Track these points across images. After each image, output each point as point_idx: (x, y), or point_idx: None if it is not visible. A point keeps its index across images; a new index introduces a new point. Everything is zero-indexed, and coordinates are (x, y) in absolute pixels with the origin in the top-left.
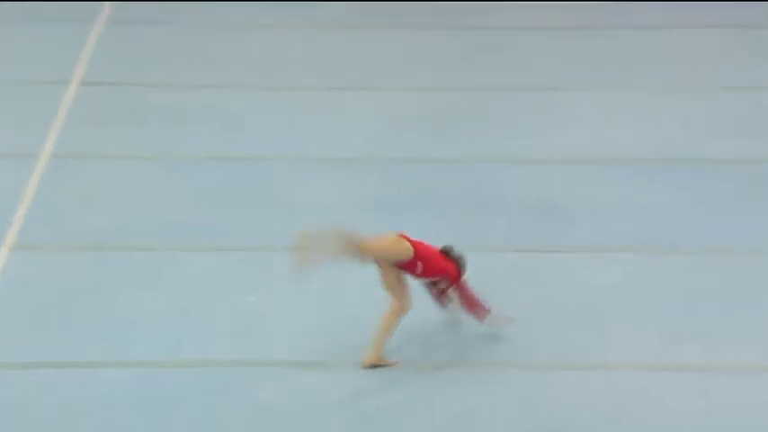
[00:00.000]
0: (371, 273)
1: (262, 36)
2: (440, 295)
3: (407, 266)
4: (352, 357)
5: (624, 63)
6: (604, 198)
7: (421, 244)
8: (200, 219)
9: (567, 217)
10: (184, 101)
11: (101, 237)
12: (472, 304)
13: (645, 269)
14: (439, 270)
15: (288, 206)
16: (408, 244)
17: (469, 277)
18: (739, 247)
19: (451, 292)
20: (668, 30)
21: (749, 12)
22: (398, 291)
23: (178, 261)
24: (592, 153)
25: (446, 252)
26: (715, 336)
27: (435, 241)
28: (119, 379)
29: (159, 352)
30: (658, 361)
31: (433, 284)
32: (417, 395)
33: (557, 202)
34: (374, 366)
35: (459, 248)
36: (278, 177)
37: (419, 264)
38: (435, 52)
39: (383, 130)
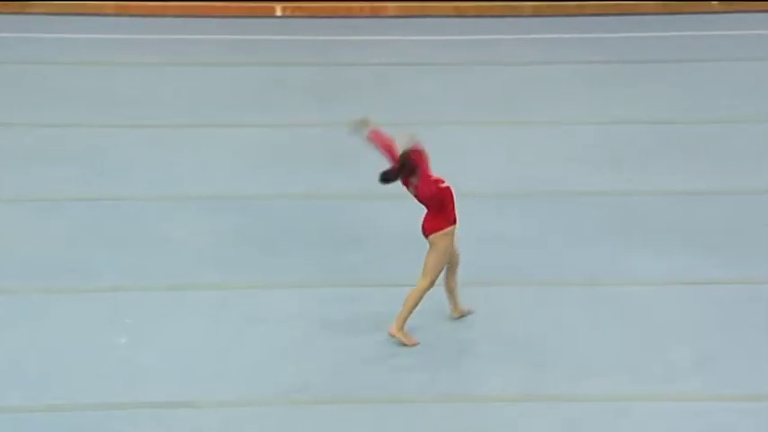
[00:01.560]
0: (244, 311)
1: (125, 74)
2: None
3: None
4: (221, 396)
5: (491, 98)
6: (466, 230)
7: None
8: (66, 260)
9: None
10: (46, 140)
11: None
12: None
13: (508, 300)
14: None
15: (154, 245)
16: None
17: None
18: (603, 278)
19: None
20: (535, 66)
21: (612, 48)
22: (432, 269)
23: (44, 304)
24: (457, 187)
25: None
26: (582, 366)
27: (298, 277)
28: None
29: (25, 396)
30: (525, 392)
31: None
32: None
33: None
34: (398, 340)
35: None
36: (143, 216)
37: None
38: (304, 88)
39: (248, 166)
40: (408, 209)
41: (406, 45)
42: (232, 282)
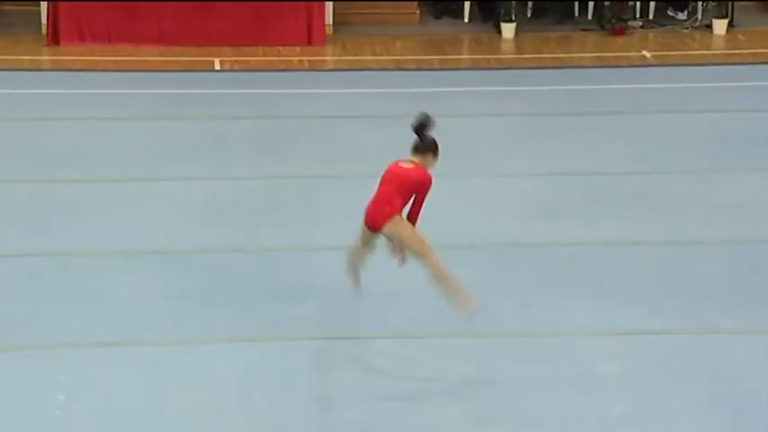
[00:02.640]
0: (181, 368)
1: (61, 129)
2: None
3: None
4: None
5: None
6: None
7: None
8: (2, 316)
9: (382, 302)
10: None
11: None
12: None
13: (445, 352)
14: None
15: (89, 300)
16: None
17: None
18: (540, 329)
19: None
20: (474, 118)
21: (550, 100)
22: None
23: None
24: None
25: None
26: (520, 419)
27: (234, 332)
28: None
29: None
30: None
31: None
32: None
33: (368, 289)
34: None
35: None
36: (79, 272)
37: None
38: (243, 141)
39: (186, 220)
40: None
41: (346, 98)
42: (168, 338)
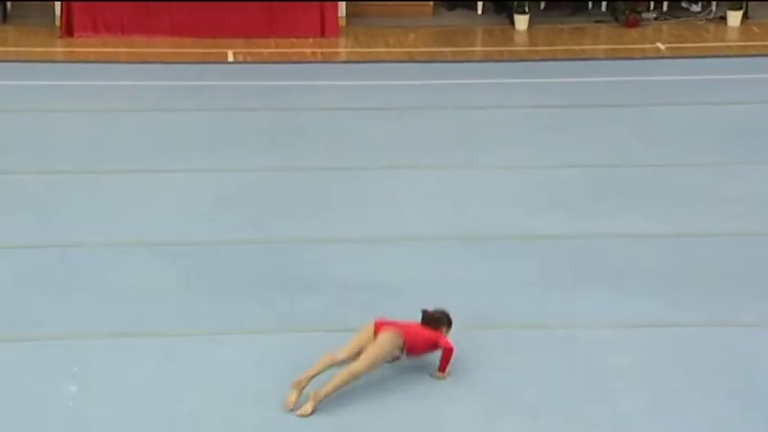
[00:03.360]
0: (193, 360)
1: (73, 120)
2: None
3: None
4: None
5: (443, 142)
6: (415, 274)
7: (405, 327)
8: (10, 308)
9: (393, 295)
10: None
11: None
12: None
13: (457, 344)
14: (427, 345)
15: (100, 292)
16: (398, 336)
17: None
18: (552, 321)
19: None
20: (486, 110)
21: (562, 92)
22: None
23: None
24: (408, 230)
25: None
26: (532, 410)
27: (246, 324)
28: None
29: None
30: None
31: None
32: None
33: (379, 281)
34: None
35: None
36: (93, 263)
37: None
38: (255, 133)
39: (197, 212)
40: (357, 253)
41: (358, 90)
42: (180, 329)
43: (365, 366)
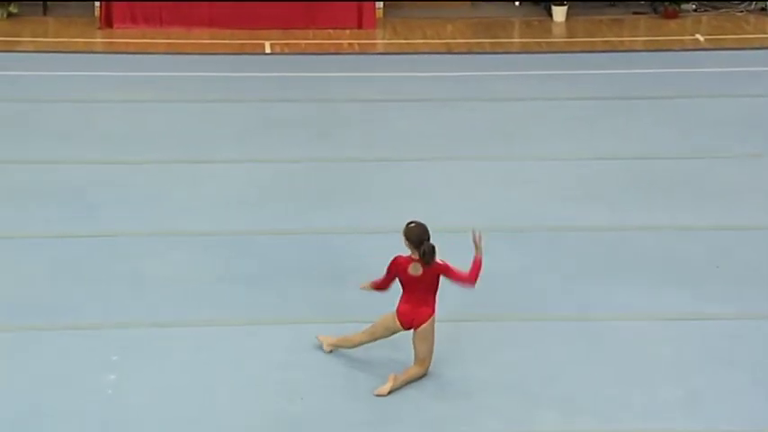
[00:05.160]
0: (233, 349)
1: (113, 111)
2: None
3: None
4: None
5: (480, 134)
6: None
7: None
8: (53, 297)
9: None
10: (32, 178)
11: None
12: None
13: (497, 335)
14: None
15: (141, 282)
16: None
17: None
18: (591, 313)
19: None
20: (523, 102)
21: (600, 84)
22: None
23: (31, 341)
24: (445, 222)
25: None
26: (570, 401)
27: (286, 314)
28: None
29: None
30: (512, 428)
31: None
32: None
33: None
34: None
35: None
36: (131, 253)
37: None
38: (293, 124)
39: (236, 202)
40: (396, 244)
41: (396, 81)
42: (218, 319)
43: (422, 358)
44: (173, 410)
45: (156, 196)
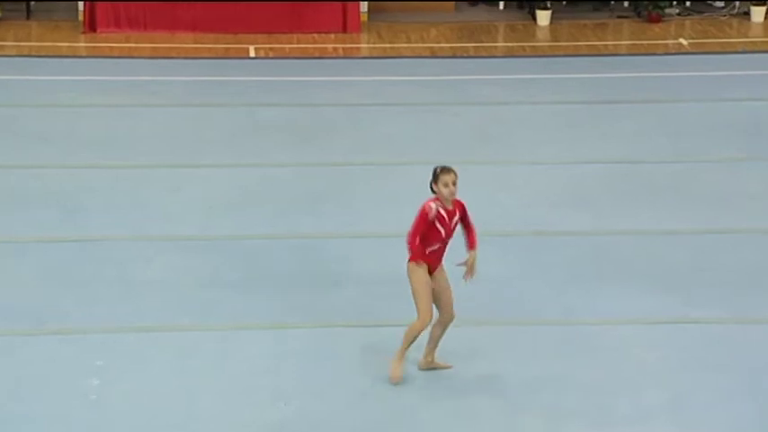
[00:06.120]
0: (217, 354)
1: (96, 115)
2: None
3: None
4: None
5: (465, 138)
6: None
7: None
8: (38, 302)
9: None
10: (16, 183)
11: None
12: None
13: (483, 339)
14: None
15: (127, 286)
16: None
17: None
18: (576, 317)
19: None
20: (508, 106)
21: (584, 88)
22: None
23: (16, 345)
24: None
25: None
26: (555, 406)
27: (271, 319)
28: None
29: None
30: None
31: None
32: None
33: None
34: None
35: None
36: (117, 257)
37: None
38: (278, 129)
39: (220, 207)
40: (382, 248)
41: (380, 85)
42: (204, 324)
43: (419, 311)
44: (156, 416)
45: (141, 201)
